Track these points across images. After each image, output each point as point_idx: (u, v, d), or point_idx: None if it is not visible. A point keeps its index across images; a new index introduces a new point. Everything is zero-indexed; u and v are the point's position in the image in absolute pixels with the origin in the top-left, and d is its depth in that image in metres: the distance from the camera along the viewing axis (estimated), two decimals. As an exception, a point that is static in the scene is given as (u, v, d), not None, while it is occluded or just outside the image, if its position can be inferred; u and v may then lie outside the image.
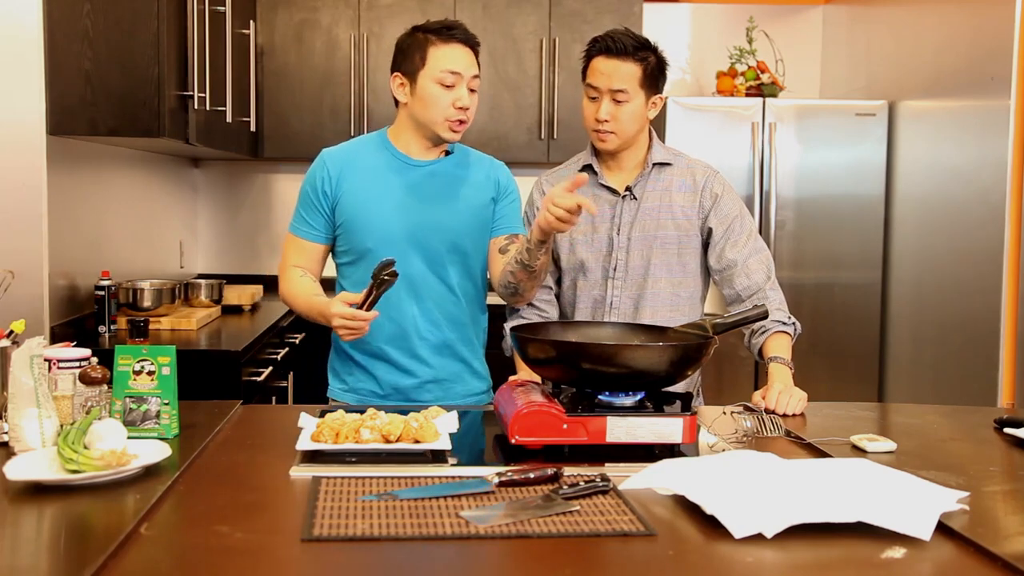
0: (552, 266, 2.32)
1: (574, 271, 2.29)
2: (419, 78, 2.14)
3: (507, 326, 2.26)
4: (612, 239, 2.25)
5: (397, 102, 2.21)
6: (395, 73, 2.20)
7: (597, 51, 2.18)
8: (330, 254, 2.30)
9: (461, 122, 2.15)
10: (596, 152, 2.29)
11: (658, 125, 4.11)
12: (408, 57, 2.16)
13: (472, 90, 2.15)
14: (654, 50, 2.19)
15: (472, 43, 2.17)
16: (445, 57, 2.12)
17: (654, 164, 2.26)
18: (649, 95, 2.19)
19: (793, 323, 2.19)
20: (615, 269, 2.25)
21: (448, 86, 2.12)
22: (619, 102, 2.16)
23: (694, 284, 2.28)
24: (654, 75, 2.18)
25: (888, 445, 1.70)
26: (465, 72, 2.13)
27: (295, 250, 2.26)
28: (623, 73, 2.14)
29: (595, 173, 2.28)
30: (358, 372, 2.26)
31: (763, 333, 2.17)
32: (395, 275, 1.90)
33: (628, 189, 2.25)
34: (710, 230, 2.24)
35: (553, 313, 2.33)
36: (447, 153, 2.25)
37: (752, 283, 2.20)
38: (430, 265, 2.19)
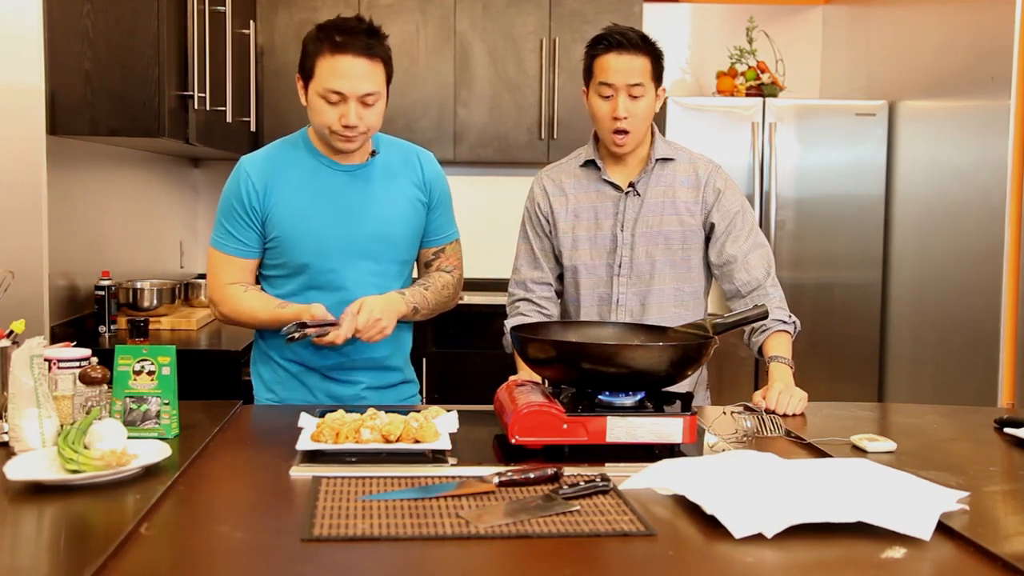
0: (554, 263, 2.32)
1: (577, 269, 2.27)
2: (309, 88, 2.03)
3: (508, 324, 2.26)
4: (616, 236, 2.23)
5: None
6: (297, 73, 2.07)
7: (606, 48, 2.13)
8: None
9: (349, 138, 2.03)
10: (598, 147, 2.27)
11: (658, 125, 4.11)
12: (304, 61, 2.03)
13: (368, 104, 2.00)
14: (654, 42, 2.18)
15: (373, 52, 1.99)
16: (331, 73, 1.97)
17: (657, 160, 2.24)
18: (656, 88, 2.18)
19: (793, 321, 2.19)
20: (620, 266, 2.23)
21: (332, 103, 1.99)
22: (635, 97, 2.13)
23: (698, 280, 2.27)
24: (660, 67, 2.17)
25: (888, 445, 1.70)
26: (351, 92, 1.97)
27: (227, 268, 2.12)
28: (637, 67, 2.12)
29: (597, 168, 2.26)
30: (289, 381, 2.18)
31: (763, 332, 2.17)
32: (296, 331, 1.93)
33: (631, 185, 2.24)
34: (712, 225, 2.23)
35: (555, 311, 2.32)
36: (373, 153, 2.15)
37: (752, 278, 2.20)
38: (368, 276, 2.13)
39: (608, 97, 2.14)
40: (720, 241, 2.22)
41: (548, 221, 2.30)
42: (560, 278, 2.34)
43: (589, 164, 2.28)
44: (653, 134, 2.27)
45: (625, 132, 2.16)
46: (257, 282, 2.19)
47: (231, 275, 2.13)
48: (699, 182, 2.24)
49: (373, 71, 2.00)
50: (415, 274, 2.30)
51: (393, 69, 2.09)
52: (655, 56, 2.15)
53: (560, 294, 2.35)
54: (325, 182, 2.11)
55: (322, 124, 2.03)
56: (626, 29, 2.14)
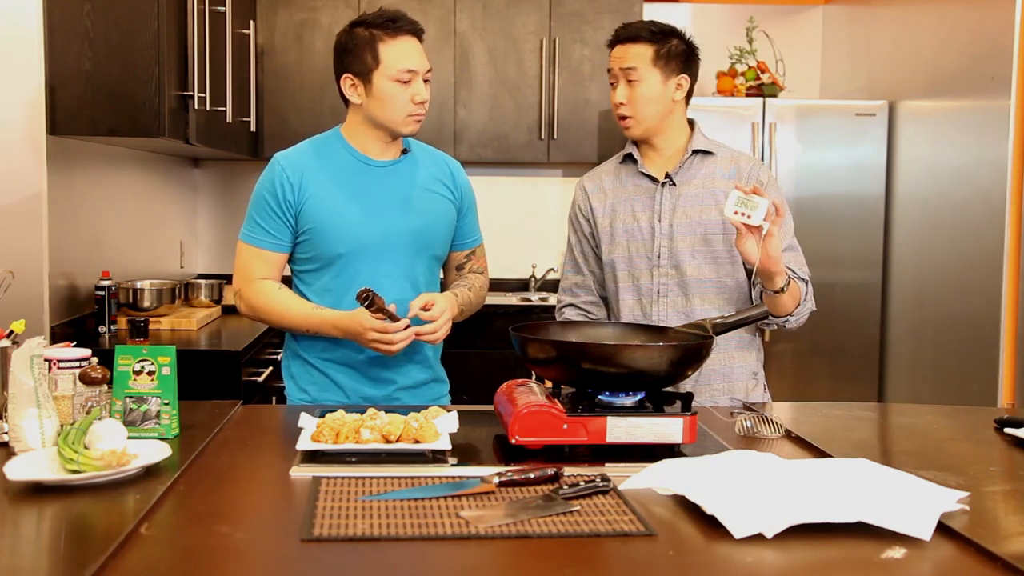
0: (595, 265, 2.32)
1: (615, 262, 2.25)
2: (374, 78, 2.07)
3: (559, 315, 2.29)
4: (654, 227, 2.22)
5: (348, 102, 2.15)
6: (344, 75, 2.12)
7: (612, 41, 2.22)
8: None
9: (421, 116, 2.10)
10: (636, 141, 2.29)
11: (658, 125, 4.11)
12: (357, 57, 2.08)
13: (427, 81, 2.11)
14: (675, 34, 2.19)
15: (419, 32, 2.11)
16: (399, 54, 2.06)
17: (695, 151, 2.23)
18: (668, 76, 2.18)
19: (807, 282, 2.17)
20: (659, 257, 2.21)
21: (405, 82, 2.07)
22: (632, 82, 2.17)
23: (742, 273, 2.22)
24: (671, 55, 2.17)
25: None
26: (420, 68, 2.08)
27: (257, 261, 2.14)
28: (633, 53, 2.17)
29: (635, 161, 2.27)
30: (322, 381, 2.18)
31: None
32: (372, 294, 1.89)
33: (668, 176, 2.23)
34: None
35: (600, 313, 2.33)
36: (404, 152, 2.20)
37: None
38: (401, 270, 2.14)
39: (613, 85, 2.22)
40: None
41: (589, 221, 2.31)
42: (602, 269, 2.32)
43: (627, 159, 2.30)
44: (692, 129, 2.27)
45: (627, 117, 2.20)
46: (287, 282, 2.20)
47: (260, 269, 2.14)
48: (740, 173, 2.22)
49: (424, 50, 2.12)
50: (441, 275, 2.31)
51: None
52: (660, 43, 2.17)
53: (603, 285, 2.34)
54: (359, 176, 2.14)
55: (397, 109, 2.08)
56: (640, 23, 2.21)
